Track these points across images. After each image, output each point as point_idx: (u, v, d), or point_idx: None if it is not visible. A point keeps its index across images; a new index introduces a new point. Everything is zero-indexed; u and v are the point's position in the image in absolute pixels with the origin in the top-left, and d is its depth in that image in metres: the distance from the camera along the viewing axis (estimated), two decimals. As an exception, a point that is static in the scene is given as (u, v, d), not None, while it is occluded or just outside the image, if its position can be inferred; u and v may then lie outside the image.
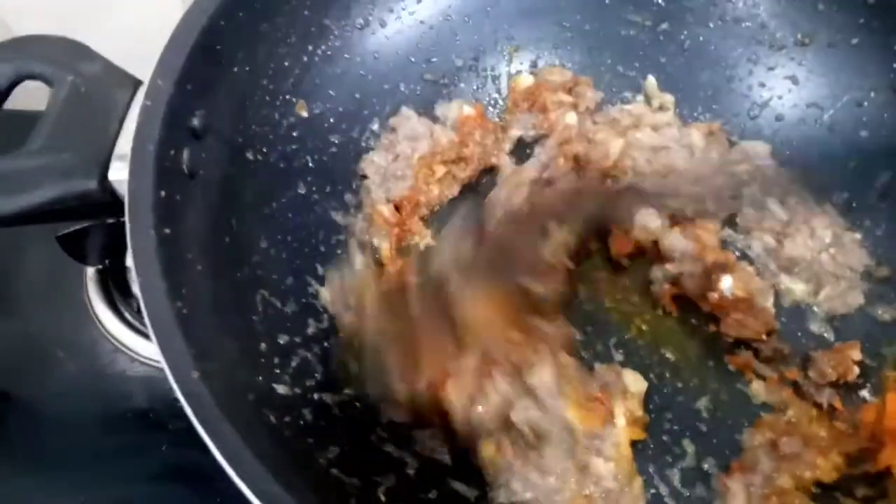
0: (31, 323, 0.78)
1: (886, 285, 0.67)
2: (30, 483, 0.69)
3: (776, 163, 0.72)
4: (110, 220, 0.60)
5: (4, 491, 0.68)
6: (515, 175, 0.72)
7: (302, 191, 0.67)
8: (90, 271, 0.79)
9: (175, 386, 0.40)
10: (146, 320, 0.42)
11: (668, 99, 0.77)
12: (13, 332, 0.77)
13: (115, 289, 0.78)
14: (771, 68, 0.75)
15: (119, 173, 0.50)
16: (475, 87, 0.78)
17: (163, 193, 0.48)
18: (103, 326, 0.77)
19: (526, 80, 0.77)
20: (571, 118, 0.74)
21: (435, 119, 0.75)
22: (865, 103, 0.71)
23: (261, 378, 0.53)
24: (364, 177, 0.72)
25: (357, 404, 0.60)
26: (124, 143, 0.51)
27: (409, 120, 0.73)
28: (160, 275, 0.44)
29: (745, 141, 0.74)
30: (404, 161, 0.72)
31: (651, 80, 0.78)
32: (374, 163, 0.72)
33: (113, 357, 0.76)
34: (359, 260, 0.69)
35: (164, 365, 0.40)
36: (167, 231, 0.47)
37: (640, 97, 0.78)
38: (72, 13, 0.85)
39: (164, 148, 0.50)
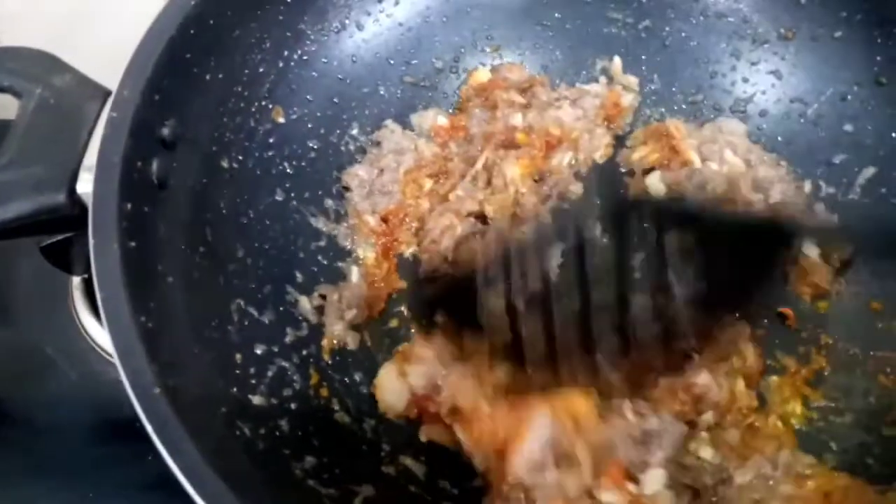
0: (19, 332, 0.78)
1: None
2: (20, 492, 0.69)
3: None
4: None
5: (-2, 497, 0.69)
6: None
7: (280, 198, 0.66)
8: (76, 280, 0.79)
9: (135, 402, 0.39)
10: (108, 335, 0.41)
11: (632, 80, 0.76)
12: (4, 341, 0.77)
13: (100, 299, 0.78)
14: (754, 63, 0.74)
15: (87, 186, 0.49)
16: (456, 89, 0.77)
17: (129, 206, 0.48)
18: (90, 335, 0.77)
19: (483, 75, 0.77)
20: (517, 119, 0.73)
21: (410, 128, 0.75)
22: (849, 97, 0.70)
23: (235, 389, 0.53)
24: (346, 188, 0.71)
25: (335, 413, 0.60)
26: (92, 156, 0.50)
27: (393, 133, 0.73)
28: (123, 289, 0.43)
29: (721, 118, 0.74)
30: (390, 175, 0.71)
31: (616, 62, 0.77)
32: (358, 176, 0.71)
33: (100, 366, 0.76)
34: (355, 273, 0.68)
35: (124, 381, 0.40)
36: (133, 244, 0.46)
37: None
38: (57, 25, 0.86)
39: (130, 159, 0.49)
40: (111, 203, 0.46)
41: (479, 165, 0.70)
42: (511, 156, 0.70)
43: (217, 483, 0.38)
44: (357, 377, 0.63)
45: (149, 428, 0.39)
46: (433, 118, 0.74)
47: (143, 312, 0.44)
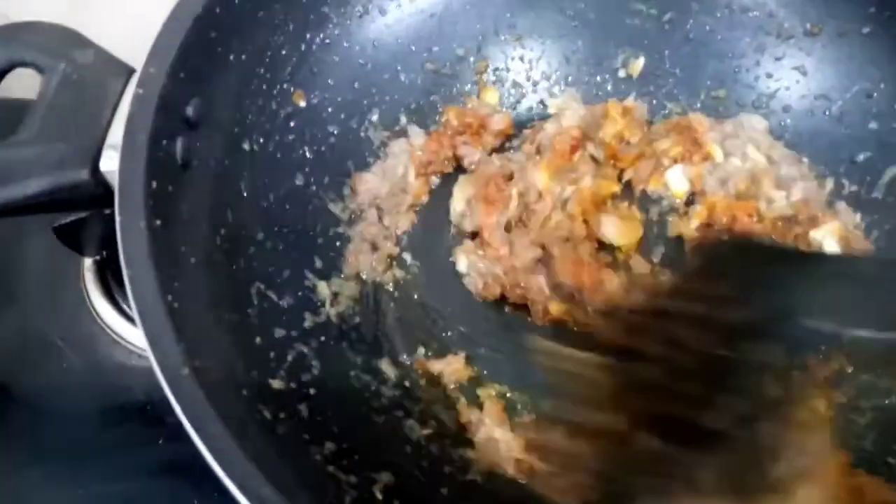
0: (29, 315, 0.77)
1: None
2: (27, 476, 0.68)
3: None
4: (106, 211, 0.59)
5: (3, 484, 0.68)
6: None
7: (300, 182, 0.66)
8: (87, 262, 0.79)
9: (164, 383, 0.39)
10: (135, 315, 0.41)
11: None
12: (10, 324, 0.77)
13: (113, 280, 0.77)
14: (778, 58, 0.74)
15: (111, 163, 0.49)
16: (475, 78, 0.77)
17: (154, 184, 0.47)
18: (101, 318, 0.77)
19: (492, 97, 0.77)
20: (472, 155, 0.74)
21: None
22: (875, 94, 0.69)
23: (255, 373, 0.52)
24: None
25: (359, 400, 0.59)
26: (116, 133, 0.50)
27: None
28: (151, 268, 0.43)
29: (743, 114, 0.73)
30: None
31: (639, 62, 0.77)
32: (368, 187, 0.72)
33: (110, 349, 0.76)
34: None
35: (152, 361, 0.39)
36: (158, 223, 0.46)
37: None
38: (72, 2, 0.85)
39: (156, 138, 0.48)
40: (138, 181, 0.46)
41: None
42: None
43: (246, 464, 0.38)
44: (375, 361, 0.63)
45: (178, 409, 0.38)
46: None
47: (169, 292, 0.43)
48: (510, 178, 0.71)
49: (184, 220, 0.51)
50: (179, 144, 0.52)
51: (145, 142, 0.47)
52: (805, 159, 0.71)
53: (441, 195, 0.74)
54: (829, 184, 0.70)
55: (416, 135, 0.74)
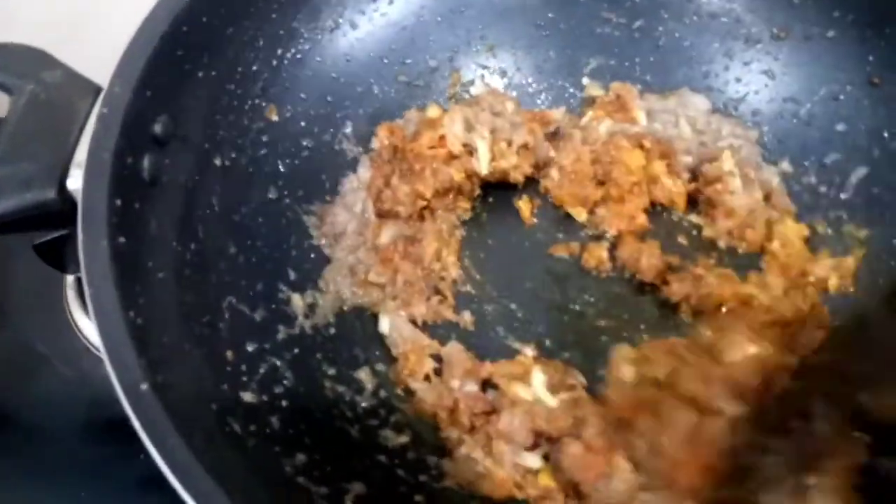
0: (12, 332, 0.78)
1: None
2: (14, 492, 0.69)
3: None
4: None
5: (-7, 497, 0.68)
6: None
7: (273, 195, 0.66)
8: (69, 279, 0.79)
9: (122, 399, 0.39)
10: (96, 331, 0.41)
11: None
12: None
13: (92, 297, 0.78)
14: (747, 63, 0.74)
15: (78, 182, 0.49)
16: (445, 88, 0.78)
17: (119, 202, 0.47)
18: (83, 335, 0.77)
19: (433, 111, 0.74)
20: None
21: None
22: (842, 96, 0.70)
23: (226, 386, 0.52)
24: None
25: (331, 410, 0.60)
26: (83, 152, 0.50)
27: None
28: (112, 285, 0.43)
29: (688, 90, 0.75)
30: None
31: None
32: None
33: (94, 365, 0.76)
34: None
35: (112, 377, 0.40)
36: (122, 240, 0.46)
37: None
38: (57, 23, 0.85)
39: (121, 155, 0.49)
40: (101, 199, 0.46)
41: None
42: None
43: (206, 480, 0.38)
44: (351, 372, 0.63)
45: (136, 424, 0.39)
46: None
47: (132, 308, 0.44)
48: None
49: (152, 235, 0.52)
50: (147, 161, 0.52)
51: (109, 160, 0.48)
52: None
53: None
54: (800, 185, 0.71)
55: (364, 165, 0.72)
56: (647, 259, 0.66)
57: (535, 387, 0.61)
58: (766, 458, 0.53)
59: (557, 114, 0.74)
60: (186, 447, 0.39)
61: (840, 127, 0.70)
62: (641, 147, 0.72)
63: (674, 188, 0.71)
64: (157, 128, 0.54)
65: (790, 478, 0.51)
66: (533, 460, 0.60)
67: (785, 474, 0.51)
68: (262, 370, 0.57)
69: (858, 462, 0.50)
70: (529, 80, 0.78)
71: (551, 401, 0.61)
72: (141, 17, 0.55)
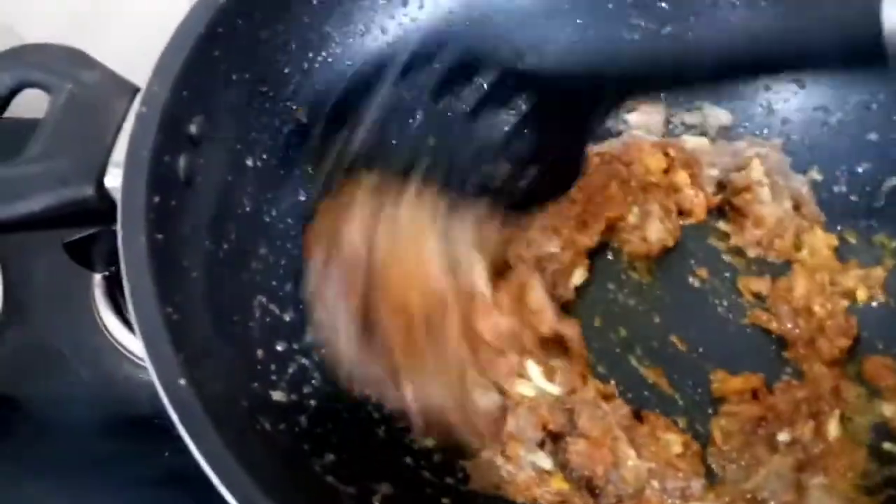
0: (39, 330, 0.78)
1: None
2: (35, 488, 0.69)
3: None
4: (114, 227, 0.61)
5: (10, 496, 0.69)
6: None
7: (303, 197, 0.67)
8: (97, 278, 0.80)
9: (162, 393, 0.39)
10: (135, 326, 0.42)
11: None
12: (20, 339, 0.78)
13: (121, 295, 0.78)
14: (777, 71, 0.74)
15: (115, 180, 0.50)
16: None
17: (156, 199, 0.48)
18: (109, 332, 0.78)
19: None
20: None
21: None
22: (873, 105, 0.70)
23: (256, 384, 0.53)
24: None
25: (358, 411, 0.60)
26: (120, 150, 0.51)
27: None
28: (151, 280, 0.44)
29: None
30: None
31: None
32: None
33: (119, 362, 0.77)
34: None
35: (151, 371, 0.40)
36: (160, 237, 0.47)
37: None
38: (79, 23, 0.87)
39: (159, 154, 0.50)
40: (140, 196, 0.47)
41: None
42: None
43: (240, 472, 0.38)
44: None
45: (174, 417, 0.39)
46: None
47: (169, 304, 0.44)
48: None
49: (186, 234, 0.52)
50: (182, 161, 0.53)
51: (147, 158, 0.48)
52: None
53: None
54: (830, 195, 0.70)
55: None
56: None
57: (534, 379, 0.61)
58: None
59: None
60: (222, 442, 0.39)
61: (872, 136, 0.70)
62: (666, 154, 0.71)
63: (695, 199, 0.70)
64: (193, 128, 0.54)
65: None
66: (545, 461, 0.60)
67: None
68: (290, 370, 0.58)
69: None
70: (557, 85, 0.78)
71: (554, 389, 0.61)
72: (164, 17, 0.56)
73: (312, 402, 0.57)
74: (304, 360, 0.59)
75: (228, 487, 0.37)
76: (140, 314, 0.42)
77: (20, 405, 0.74)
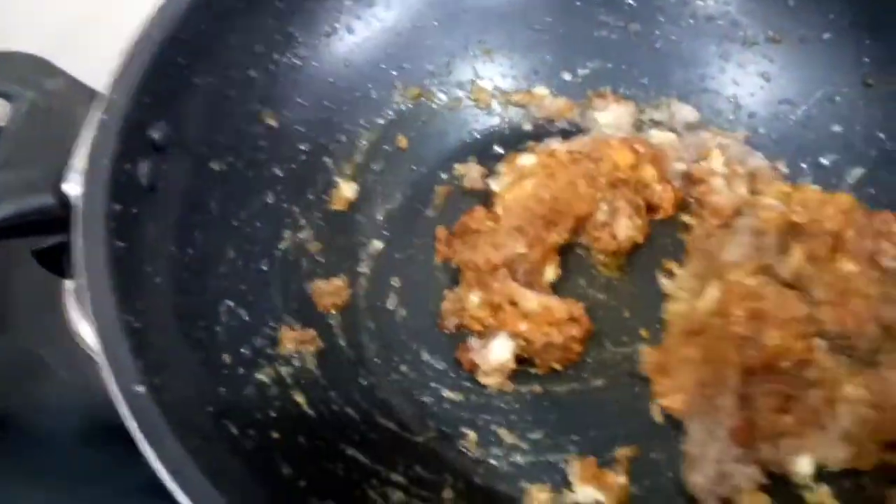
0: (12, 338, 0.78)
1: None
2: (13, 497, 0.69)
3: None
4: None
5: (-12, 504, 0.69)
6: None
7: (270, 200, 0.67)
8: (70, 285, 0.79)
9: (118, 400, 0.39)
10: (94, 334, 0.42)
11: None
12: (1, 347, 0.78)
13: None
14: (743, 66, 0.75)
15: (76, 188, 0.50)
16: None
17: (118, 207, 0.48)
18: (83, 339, 0.77)
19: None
20: None
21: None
22: (838, 98, 0.70)
23: (223, 389, 0.53)
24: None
25: (325, 416, 0.60)
26: (81, 158, 0.51)
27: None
28: (110, 289, 0.44)
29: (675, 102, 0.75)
30: None
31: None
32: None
33: (93, 371, 0.76)
34: None
35: (108, 379, 0.40)
36: (121, 245, 0.47)
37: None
38: (60, 30, 0.86)
39: (119, 161, 0.50)
40: (99, 204, 0.47)
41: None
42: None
43: (201, 480, 0.38)
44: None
45: (131, 425, 0.39)
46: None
47: (130, 312, 0.45)
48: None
49: (150, 241, 0.52)
50: (145, 167, 0.53)
51: (108, 165, 0.49)
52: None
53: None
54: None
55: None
56: None
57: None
58: None
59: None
60: (182, 447, 0.39)
61: (836, 128, 0.70)
62: (634, 150, 0.72)
63: (664, 194, 0.71)
64: (156, 134, 0.55)
65: None
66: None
67: None
68: (259, 375, 0.57)
69: None
70: (526, 83, 0.78)
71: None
72: (140, 23, 0.56)
73: (281, 405, 0.57)
74: (273, 364, 0.59)
75: (187, 494, 0.37)
76: (99, 322, 0.42)
77: (1, 414, 0.74)
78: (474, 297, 0.64)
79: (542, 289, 0.66)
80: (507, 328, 0.62)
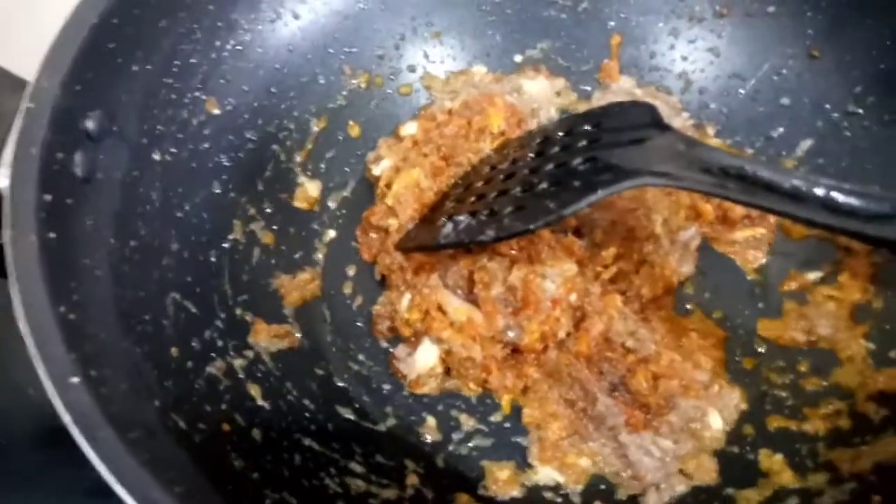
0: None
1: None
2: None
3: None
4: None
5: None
6: None
7: (217, 190, 0.65)
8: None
9: (52, 392, 0.38)
10: (22, 326, 0.40)
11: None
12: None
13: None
14: (692, 41, 0.75)
15: (4, 180, 0.48)
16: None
17: (48, 197, 0.46)
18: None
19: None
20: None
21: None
22: (784, 71, 0.71)
23: (170, 383, 0.51)
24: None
25: (281, 407, 0.59)
26: (11, 150, 0.49)
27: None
28: (41, 280, 0.42)
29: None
30: None
31: None
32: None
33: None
34: None
35: (41, 371, 0.39)
36: (52, 236, 0.45)
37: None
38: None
39: (50, 151, 0.48)
40: (28, 194, 0.45)
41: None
42: None
43: (138, 471, 0.37)
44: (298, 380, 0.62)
45: (65, 417, 0.38)
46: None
47: (63, 304, 0.43)
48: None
49: (87, 232, 0.51)
50: (79, 157, 0.51)
51: (37, 155, 0.47)
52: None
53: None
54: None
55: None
56: None
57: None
58: None
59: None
60: (119, 440, 0.38)
61: (784, 101, 0.70)
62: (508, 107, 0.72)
63: None
64: (89, 123, 0.53)
65: None
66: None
67: None
68: (208, 368, 0.56)
69: None
70: (476, 65, 0.78)
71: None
72: (70, 10, 0.54)
73: (231, 398, 0.55)
74: (224, 357, 0.58)
75: (123, 485, 0.36)
76: (29, 314, 0.41)
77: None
78: (404, 301, 0.64)
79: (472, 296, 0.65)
80: (431, 333, 0.62)
